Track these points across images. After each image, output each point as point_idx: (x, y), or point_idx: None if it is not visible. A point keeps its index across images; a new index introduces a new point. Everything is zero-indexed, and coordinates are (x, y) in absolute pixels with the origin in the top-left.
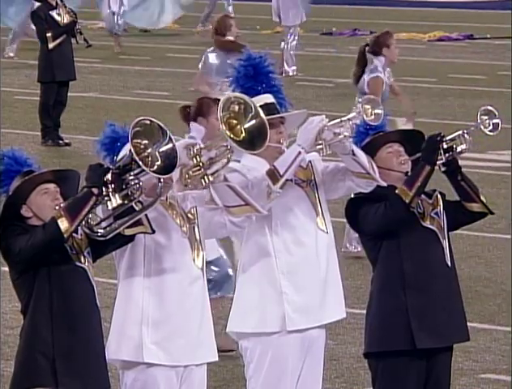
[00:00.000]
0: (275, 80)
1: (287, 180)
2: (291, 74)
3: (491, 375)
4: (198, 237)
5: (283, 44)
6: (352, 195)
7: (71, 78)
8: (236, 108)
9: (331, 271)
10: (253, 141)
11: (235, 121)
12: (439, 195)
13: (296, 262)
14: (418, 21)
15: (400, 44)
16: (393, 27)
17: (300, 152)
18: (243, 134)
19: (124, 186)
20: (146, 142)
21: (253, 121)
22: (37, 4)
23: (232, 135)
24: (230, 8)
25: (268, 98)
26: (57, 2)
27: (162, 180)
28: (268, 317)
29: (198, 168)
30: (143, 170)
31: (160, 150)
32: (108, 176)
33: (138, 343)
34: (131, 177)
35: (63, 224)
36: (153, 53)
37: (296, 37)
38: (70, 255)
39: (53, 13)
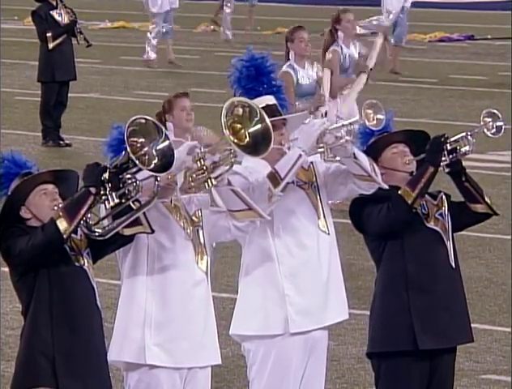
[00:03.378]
0: (276, 81)
1: (288, 182)
2: None
3: (492, 376)
4: (202, 241)
5: None
6: (357, 195)
7: (71, 78)
8: (241, 111)
9: (333, 272)
10: (257, 146)
11: (239, 126)
12: (444, 196)
13: (298, 264)
14: (419, 22)
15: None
16: None
17: (300, 155)
18: (247, 139)
19: (121, 185)
20: (142, 140)
21: (258, 126)
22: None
23: (235, 140)
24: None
25: (270, 99)
26: (57, 2)
27: (159, 178)
28: (271, 319)
29: (202, 171)
30: (140, 169)
31: (157, 148)
32: (106, 175)
33: (140, 344)
34: (128, 176)
35: (62, 224)
36: None
37: None
38: (70, 256)
39: (54, 13)
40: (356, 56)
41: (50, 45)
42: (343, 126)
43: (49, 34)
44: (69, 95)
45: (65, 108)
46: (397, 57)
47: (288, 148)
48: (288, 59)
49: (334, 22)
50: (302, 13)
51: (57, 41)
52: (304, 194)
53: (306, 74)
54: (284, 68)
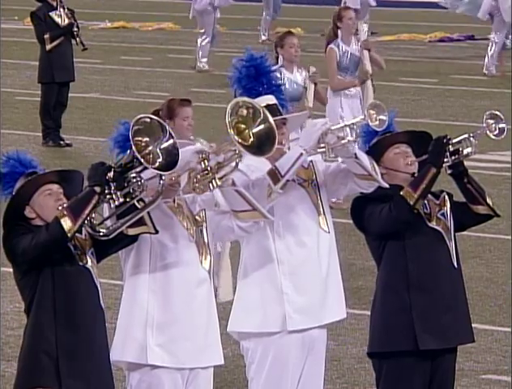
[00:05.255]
0: (276, 80)
1: (288, 180)
2: None
3: (492, 376)
4: (205, 240)
5: None
6: (358, 194)
7: (71, 79)
8: (245, 112)
9: (332, 271)
10: (262, 146)
11: (243, 126)
12: (446, 196)
13: (297, 262)
14: (419, 22)
15: (401, 44)
16: (394, 27)
17: (301, 154)
18: (251, 139)
19: (126, 184)
20: (147, 139)
21: (262, 126)
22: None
23: (240, 140)
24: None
25: (270, 99)
26: (57, 3)
27: (164, 177)
28: (269, 317)
29: (206, 172)
30: (145, 168)
31: (162, 147)
32: (110, 174)
33: (142, 345)
34: (133, 175)
35: (66, 223)
36: (154, 54)
37: None
38: (74, 255)
39: (53, 14)
40: (358, 53)
41: (48, 47)
42: (345, 126)
43: (46, 35)
44: (69, 95)
45: (65, 108)
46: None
47: (288, 148)
48: (277, 64)
49: (336, 19)
50: (302, 13)
51: (55, 43)
52: (304, 192)
53: (293, 80)
54: None
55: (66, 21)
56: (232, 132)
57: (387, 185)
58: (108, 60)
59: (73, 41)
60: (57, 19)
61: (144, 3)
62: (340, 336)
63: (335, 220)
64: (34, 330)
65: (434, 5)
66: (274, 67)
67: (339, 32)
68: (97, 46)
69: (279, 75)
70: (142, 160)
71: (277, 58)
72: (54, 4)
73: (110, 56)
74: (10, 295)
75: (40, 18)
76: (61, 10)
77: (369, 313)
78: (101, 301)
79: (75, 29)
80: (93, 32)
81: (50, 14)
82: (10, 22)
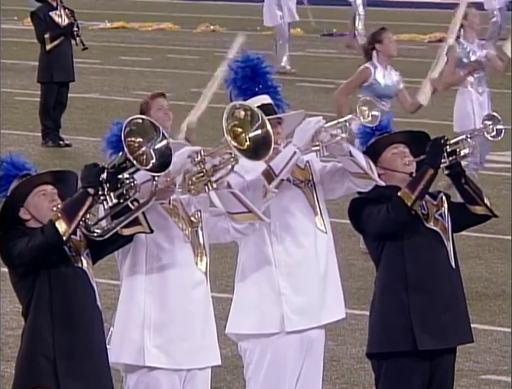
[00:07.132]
0: (272, 81)
1: (283, 180)
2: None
3: (491, 376)
4: (201, 241)
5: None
6: (357, 195)
7: (70, 79)
8: (242, 113)
9: (330, 271)
10: (257, 150)
11: (240, 130)
12: (444, 197)
13: (294, 263)
14: (419, 22)
15: (401, 44)
16: (394, 28)
17: (295, 152)
18: (247, 143)
19: (119, 185)
20: (140, 140)
21: (259, 131)
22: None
23: (236, 144)
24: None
25: (265, 99)
26: (57, 3)
27: (156, 178)
28: (267, 318)
29: (202, 174)
30: (138, 169)
31: (155, 147)
32: (103, 175)
33: (139, 346)
34: (126, 176)
35: (61, 226)
36: (154, 54)
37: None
38: (69, 257)
39: (53, 14)
40: (483, 53)
41: (48, 47)
42: (338, 123)
43: (46, 35)
44: (69, 95)
45: (64, 108)
46: None
47: (284, 147)
48: (370, 60)
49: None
50: (302, 13)
51: (55, 43)
52: (300, 193)
53: (388, 76)
54: (366, 64)
55: (66, 21)
56: (229, 137)
57: (383, 183)
58: (107, 60)
59: (73, 42)
60: (57, 19)
61: (144, 3)
62: (340, 336)
63: (334, 220)
64: (31, 332)
65: (434, 5)
66: (367, 64)
67: (461, 30)
68: (97, 46)
69: (372, 69)
70: (134, 162)
71: (370, 56)
72: (54, 4)
73: (110, 56)
74: (9, 295)
75: (40, 17)
76: (62, 10)
77: (368, 313)
78: (98, 302)
79: (75, 29)
80: (93, 32)
81: (50, 13)
82: (10, 22)
